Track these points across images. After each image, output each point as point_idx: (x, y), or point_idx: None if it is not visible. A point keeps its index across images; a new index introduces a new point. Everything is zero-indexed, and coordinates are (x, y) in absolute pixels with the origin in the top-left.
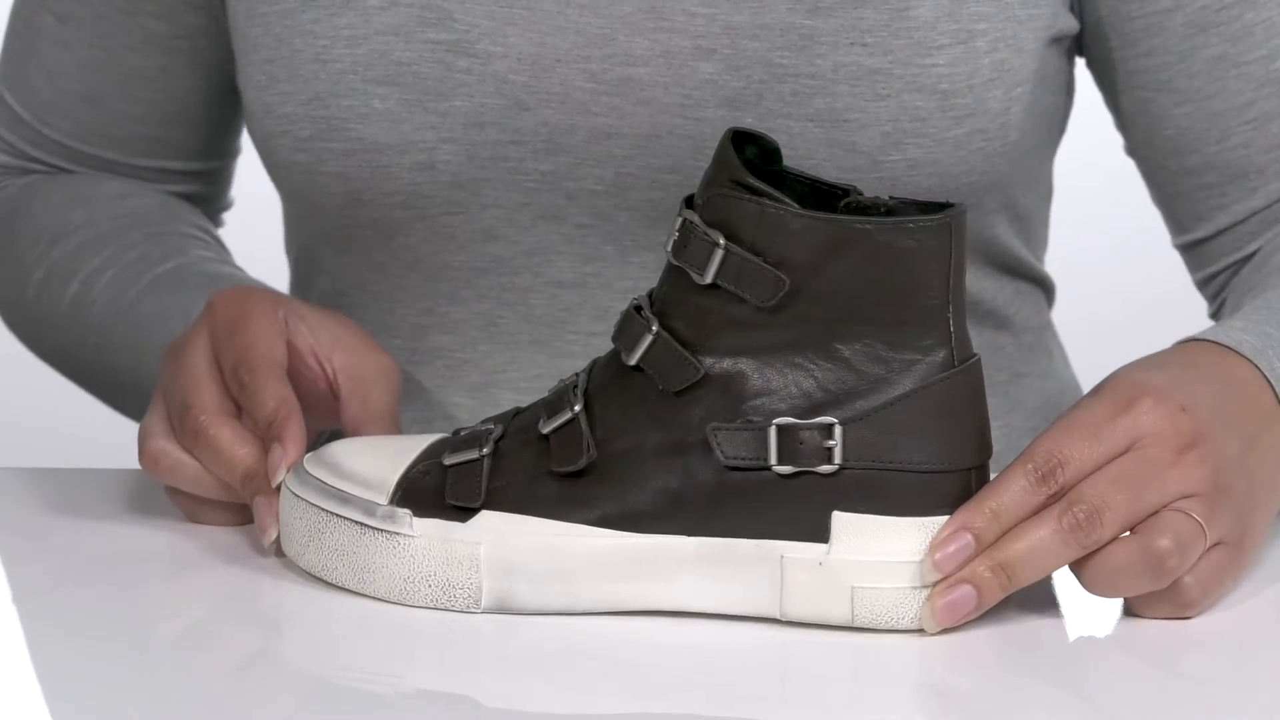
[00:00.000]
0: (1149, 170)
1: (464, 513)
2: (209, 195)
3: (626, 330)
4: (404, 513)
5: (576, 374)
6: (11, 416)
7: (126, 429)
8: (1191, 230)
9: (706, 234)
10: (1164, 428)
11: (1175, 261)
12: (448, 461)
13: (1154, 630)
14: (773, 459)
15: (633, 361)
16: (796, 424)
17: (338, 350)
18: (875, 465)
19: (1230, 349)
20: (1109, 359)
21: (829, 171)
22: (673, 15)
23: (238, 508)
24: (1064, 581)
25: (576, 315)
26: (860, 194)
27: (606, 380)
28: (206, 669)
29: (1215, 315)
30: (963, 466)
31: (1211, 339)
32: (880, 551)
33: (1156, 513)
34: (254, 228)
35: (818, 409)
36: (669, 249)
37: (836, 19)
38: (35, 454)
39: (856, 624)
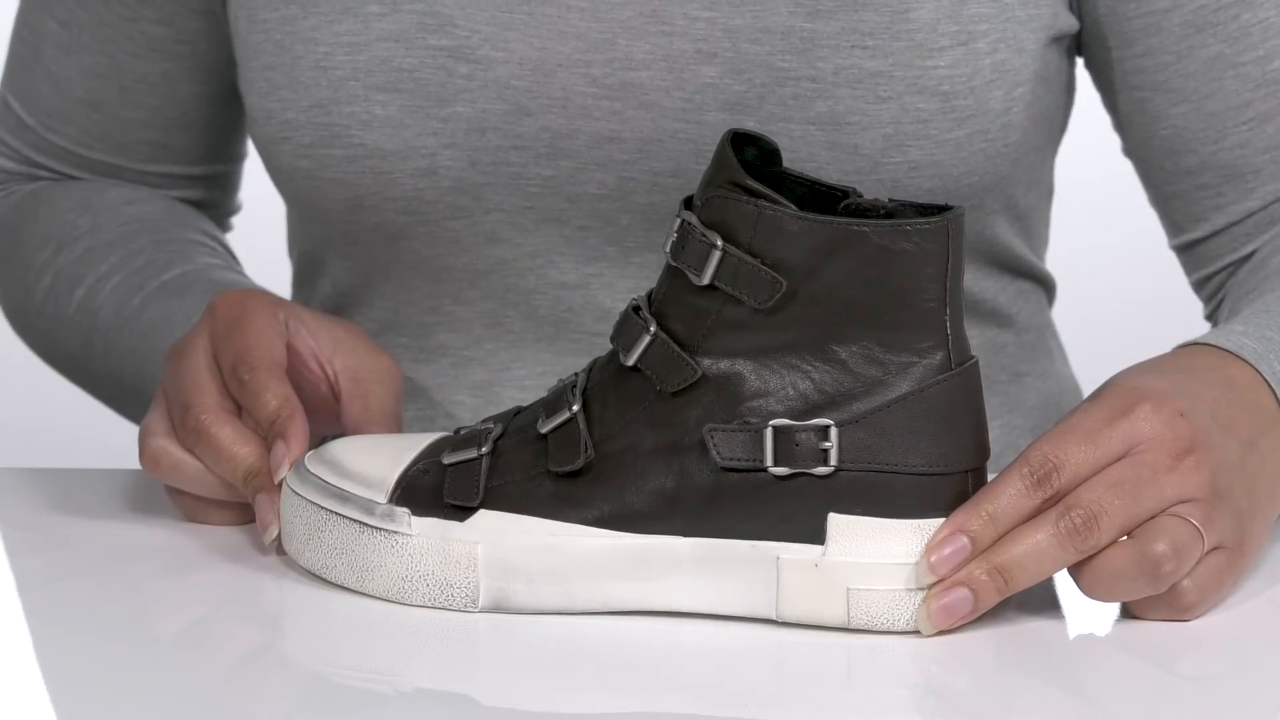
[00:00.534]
0: (1146, 171)
1: (462, 511)
2: (215, 200)
3: (625, 331)
4: (402, 511)
5: (576, 374)
6: (11, 418)
7: (126, 430)
8: (1188, 231)
9: (704, 235)
10: (1162, 433)
11: (1175, 261)
12: (447, 460)
13: (1152, 630)
14: (769, 460)
15: (630, 362)
16: (793, 426)
17: (339, 353)
18: (871, 467)
19: (1231, 353)
20: (1109, 359)
21: (831, 174)
22: (673, 19)
23: (238, 507)
24: (1061, 582)
25: (579, 315)
26: (860, 196)
27: (605, 380)
28: (207, 667)
29: (1211, 316)
30: (959, 469)
31: (1212, 343)
32: (876, 553)
33: (1154, 518)
34: (257, 229)
35: (814, 411)
36: (667, 250)
37: (837, 22)
38: (35, 454)
39: (852, 625)
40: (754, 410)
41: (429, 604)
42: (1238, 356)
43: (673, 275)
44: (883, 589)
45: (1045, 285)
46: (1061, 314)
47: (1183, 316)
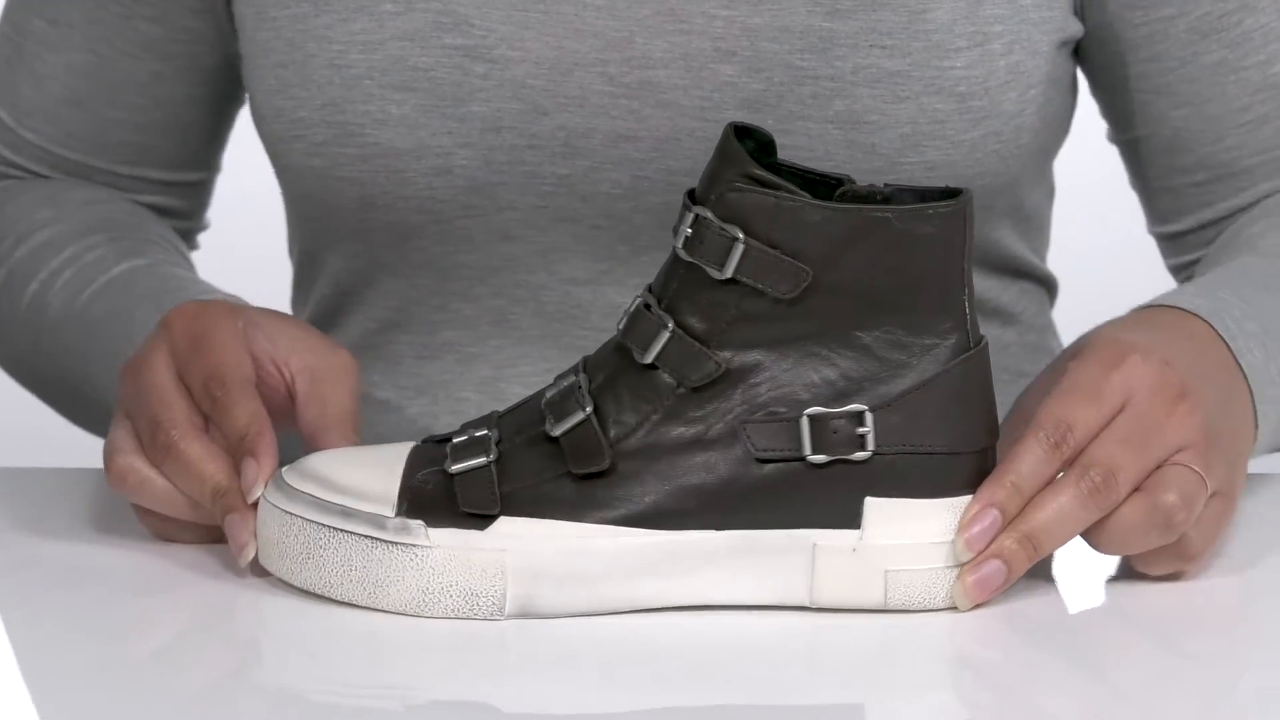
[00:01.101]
0: (1136, 162)
1: (481, 520)
2: (186, 211)
3: (638, 329)
4: (417, 524)
5: (575, 374)
6: None
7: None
8: (1172, 223)
9: (723, 229)
10: (1154, 382)
11: None
12: (452, 469)
13: (1179, 609)
14: (807, 449)
15: (648, 360)
16: (828, 413)
17: (295, 353)
18: (904, 450)
19: (1187, 311)
20: None
21: (849, 173)
22: (692, 18)
23: (206, 526)
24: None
25: (588, 311)
26: (854, 182)
27: (613, 379)
28: (181, 687)
29: None
30: (978, 447)
31: (1168, 303)
32: (912, 534)
33: (1159, 467)
34: (256, 228)
35: (842, 397)
36: (680, 246)
37: (856, 21)
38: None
39: (889, 607)
40: (781, 400)
41: (452, 615)
42: (1194, 314)
43: (685, 270)
44: (920, 568)
45: (1047, 285)
46: (1062, 314)
47: None
